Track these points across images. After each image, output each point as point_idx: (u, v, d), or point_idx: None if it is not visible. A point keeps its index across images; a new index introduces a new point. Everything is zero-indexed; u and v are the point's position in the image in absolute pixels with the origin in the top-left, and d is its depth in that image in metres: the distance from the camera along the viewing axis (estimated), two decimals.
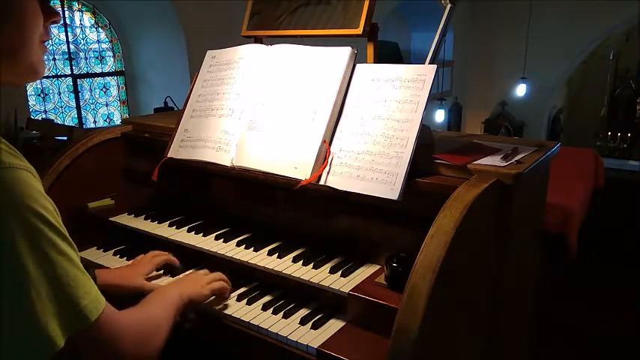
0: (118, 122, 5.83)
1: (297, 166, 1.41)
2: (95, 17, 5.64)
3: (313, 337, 1.21)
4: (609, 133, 9.36)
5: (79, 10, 5.51)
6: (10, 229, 0.75)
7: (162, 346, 1.02)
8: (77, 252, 0.85)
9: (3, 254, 0.75)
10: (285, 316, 1.29)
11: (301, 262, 1.39)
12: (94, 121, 5.90)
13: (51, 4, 0.90)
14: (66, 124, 5.41)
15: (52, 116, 5.46)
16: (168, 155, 1.67)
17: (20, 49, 0.86)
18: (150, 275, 1.46)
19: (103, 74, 5.85)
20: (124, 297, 0.90)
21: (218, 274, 1.37)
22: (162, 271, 1.51)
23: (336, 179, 1.36)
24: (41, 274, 0.78)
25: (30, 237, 0.77)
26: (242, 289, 1.42)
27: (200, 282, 1.30)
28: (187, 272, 1.50)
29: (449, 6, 1.49)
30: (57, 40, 5.22)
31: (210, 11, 4.95)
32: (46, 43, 0.92)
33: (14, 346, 0.77)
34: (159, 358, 1.03)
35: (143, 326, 1.00)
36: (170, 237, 1.59)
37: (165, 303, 1.14)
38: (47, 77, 5.30)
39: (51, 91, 5.50)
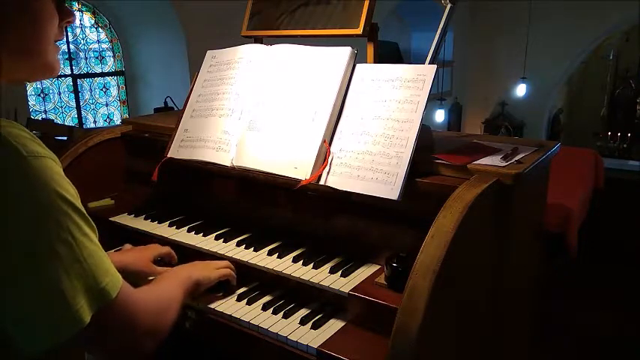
0: (118, 122, 5.82)
1: (297, 166, 1.41)
2: (95, 17, 5.65)
3: (313, 337, 1.21)
4: (609, 133, 9.37)
5: (79, 10, 5.51)
6: (39, 212, 0.79)
7: (173, 322, 1.06)
8: (96, 233, 0.89)
9: (34, 235, 0.78)
10: (285, 316, 1.29)
11: (301, 262, 1.39)
12: (94, 121, 5.90)
13: (66, 4, 0.93)
14: (66, 124, 5.41)
15: (52, 116, 5.46)
16: (168, 155, 1.67)
17: (37, 48, 0.89)
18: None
19: (103, 74, 5.85)
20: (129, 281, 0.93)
21: (226, 262, 1.42)
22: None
23: (336, 179, 1.36)
24: (68, 253, 0.81)
25: (57, 219, 0.80)
26: (242, 289, 1.42)
27: (209, 266, 1.36)
28: None
29: (449, 6, 1.49)
30: None
31: (210, 11, 4.95)
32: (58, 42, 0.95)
33: (44, 324, 0.80)
34: (159, 358, 1.04)
35: (157, 302, 1.04)
36: (170, 237, 1.59)
37: (177, 283, 1.20)
38: None
39: (51, 91, 5.50)
